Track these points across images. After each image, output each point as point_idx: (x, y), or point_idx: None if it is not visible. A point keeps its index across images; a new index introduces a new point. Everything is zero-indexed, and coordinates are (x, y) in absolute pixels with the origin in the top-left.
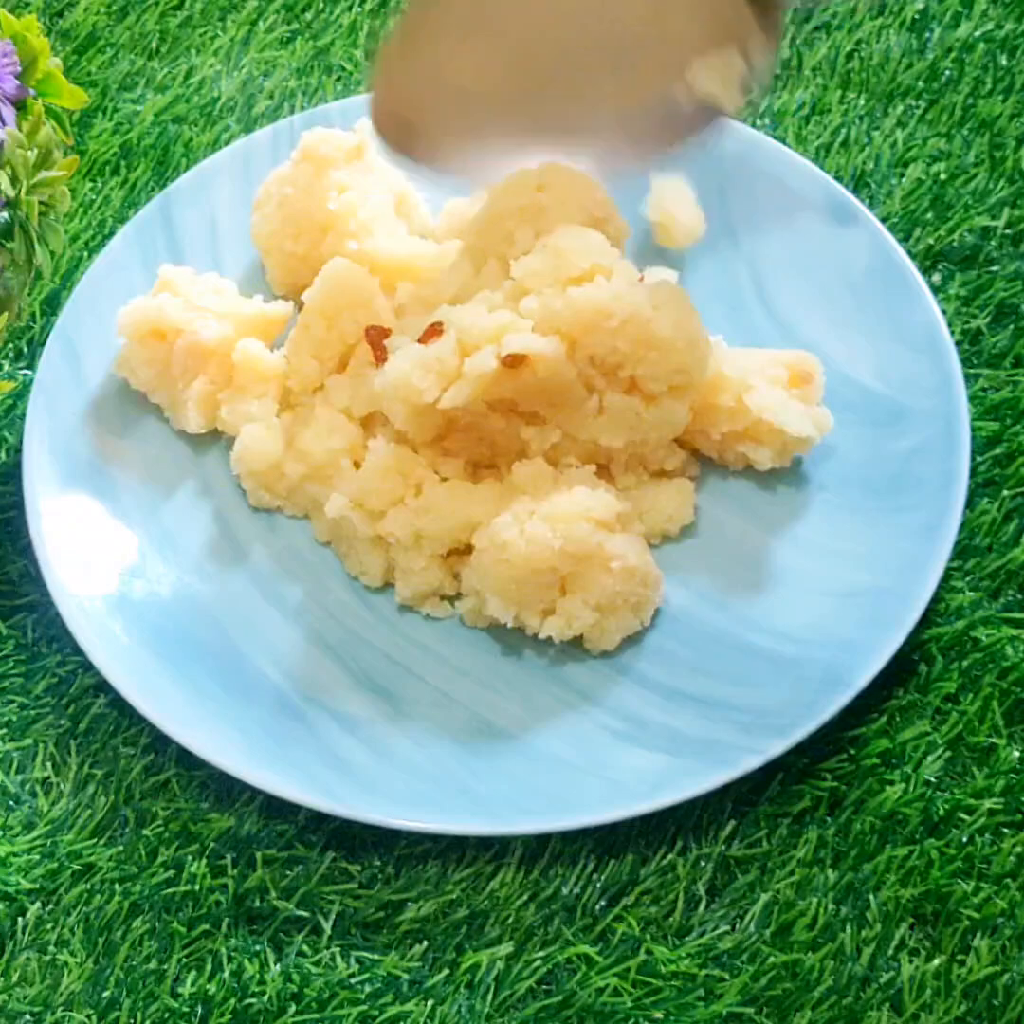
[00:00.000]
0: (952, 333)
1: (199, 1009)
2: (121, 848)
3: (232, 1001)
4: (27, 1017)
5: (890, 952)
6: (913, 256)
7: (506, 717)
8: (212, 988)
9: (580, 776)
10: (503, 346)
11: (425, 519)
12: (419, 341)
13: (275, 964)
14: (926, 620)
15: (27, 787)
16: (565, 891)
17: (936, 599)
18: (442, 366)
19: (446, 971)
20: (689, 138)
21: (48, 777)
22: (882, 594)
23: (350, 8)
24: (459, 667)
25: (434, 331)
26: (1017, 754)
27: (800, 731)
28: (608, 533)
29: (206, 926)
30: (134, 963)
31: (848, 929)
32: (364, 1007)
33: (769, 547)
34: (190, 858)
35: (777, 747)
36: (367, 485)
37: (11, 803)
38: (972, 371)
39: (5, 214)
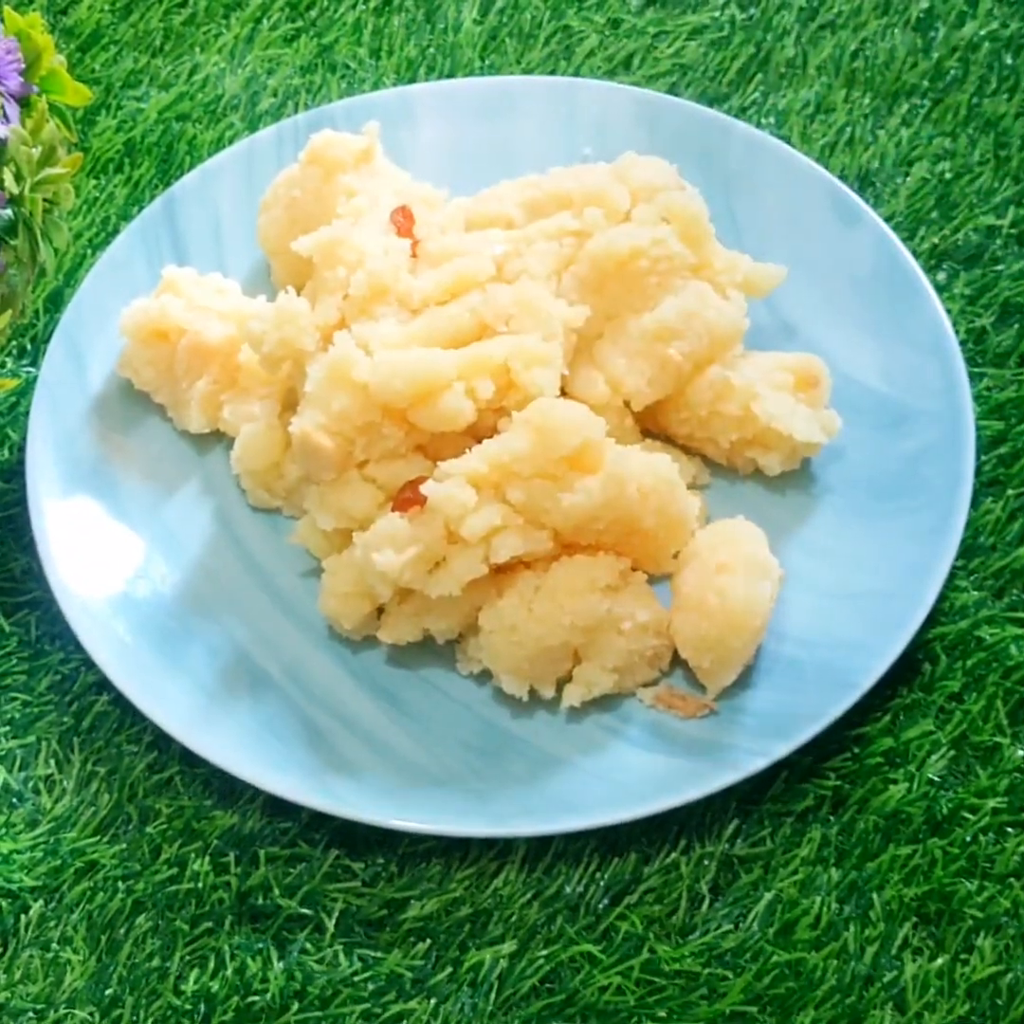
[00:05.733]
0: (957, 332)
1: (202, 1007)
2: (124, 846)
3: (235, 999)
4: (30, 1014)
5: (893, 951)
6: (917, 255)
7: (509, 718)
8: (215, 986)
9: (584, 778)
10: (494, 550)
11: (428, 619)
12: (393, 505)
13: (278, 962)
14: (930, 619)
15: (30, 785)
16: (568, 890)
17: (940, 598)
18: (422, 552)
19: (449, 969)
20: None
21: (51, 774)
22: (887, 597)
23: (354, 6)
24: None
25: (414, 499)
26: (1021, 753)
27: (805, 734)
28: (615, 594)
29: (209, 924)
30: (137, 961)
31: (851, 928)
32: (367, 1005)
33: (775, 550)
34: (193, 856)
35: (782, 749)
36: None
37: (14, 800)
38: (977, 370)
39: (9, 211)
